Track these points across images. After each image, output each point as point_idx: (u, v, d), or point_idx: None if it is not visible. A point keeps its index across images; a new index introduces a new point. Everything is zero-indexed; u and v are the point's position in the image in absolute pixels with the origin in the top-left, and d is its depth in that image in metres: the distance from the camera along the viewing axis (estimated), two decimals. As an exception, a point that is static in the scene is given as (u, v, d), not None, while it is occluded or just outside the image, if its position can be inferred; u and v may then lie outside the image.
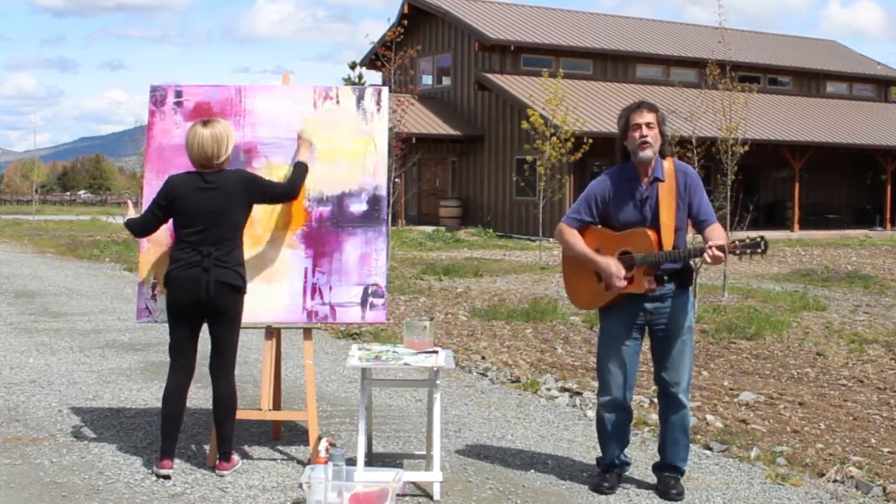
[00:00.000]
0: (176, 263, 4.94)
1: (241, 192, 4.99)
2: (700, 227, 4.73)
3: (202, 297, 4.87)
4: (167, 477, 4.88)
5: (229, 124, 5.12)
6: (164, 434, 4.98)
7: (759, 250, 4.47)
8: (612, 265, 4.66)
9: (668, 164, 4.75)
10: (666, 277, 4.71)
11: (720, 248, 4.49)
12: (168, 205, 4.99)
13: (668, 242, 4.64)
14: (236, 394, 5.12)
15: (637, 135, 4.65)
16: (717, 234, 4.66)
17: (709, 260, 4.51)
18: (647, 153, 4.66)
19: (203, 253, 4.88)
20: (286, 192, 5.19)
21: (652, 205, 4.69)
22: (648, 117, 4.66)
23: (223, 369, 5.05)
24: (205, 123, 4.98)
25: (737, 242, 4.52)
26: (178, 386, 5.05)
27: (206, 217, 4.90)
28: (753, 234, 4.67)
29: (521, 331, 9.96)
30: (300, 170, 5.22)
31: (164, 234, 5.22)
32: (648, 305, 4.74)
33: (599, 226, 4.83)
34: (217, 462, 5.02)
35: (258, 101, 5.48)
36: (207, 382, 5.19)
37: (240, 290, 5.00)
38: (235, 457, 5.10)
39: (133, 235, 5.29)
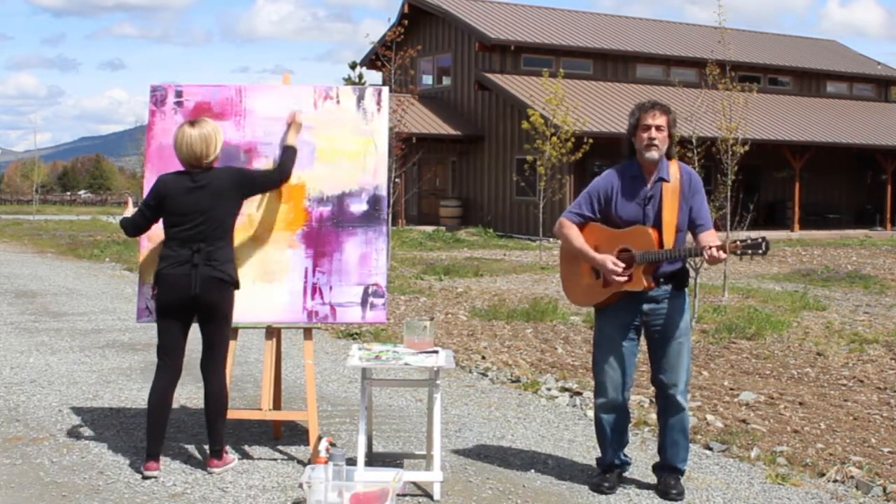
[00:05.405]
0: (165, 262, 4.95)
1: (231, 189, 4.99)
2: (696, 230, 4.76)
3: (191, 293, 4.87)
4: (154, 478, 4.88)
5: (216, 124, 5.11)
6: (149, 435, 4.98)
7: (761, 251, 4.48)
8: (609, 262, 4.67)
9: (673, 166, 4.79)
10: (662, 280, 4.72)
11: (720, 248, 4.51)
12: (157, 204, 5.00)
13: (668, 242, 4.66)
14: (227, 391, 5.11)
15: (645, 135, 4.69)
16: (712, 239, 4.72)
17: (707, 259, 4.54)
18: (653, 154, 4.70)
19: (193, 249, 4.88)
20: (276, 179, 5.20)
21: (655, 204, 4.71)
22: (660, 120, 4.70)
23: (214, 367, 5.05)
24: (192, 124, 4.99)
25: (738, 242, 4.53)
26: (165, 387, 5.05)
27: (194, 216, 4.90)
28: (755, 234, 4.68)
29: (521, 331, 9.96)
30: (289, 153, 5.23)
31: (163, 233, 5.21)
32: (644, 306, 4.75)
33: (600, 223, 4.83)
34: (208, 460, 5.02)
35: (258, 101, 5.48)
36: (206, 382, 5.19)
37: (229, 286, 4.98)
38: (228, 455, 5.10)
39: (125, 234, 5.31)
